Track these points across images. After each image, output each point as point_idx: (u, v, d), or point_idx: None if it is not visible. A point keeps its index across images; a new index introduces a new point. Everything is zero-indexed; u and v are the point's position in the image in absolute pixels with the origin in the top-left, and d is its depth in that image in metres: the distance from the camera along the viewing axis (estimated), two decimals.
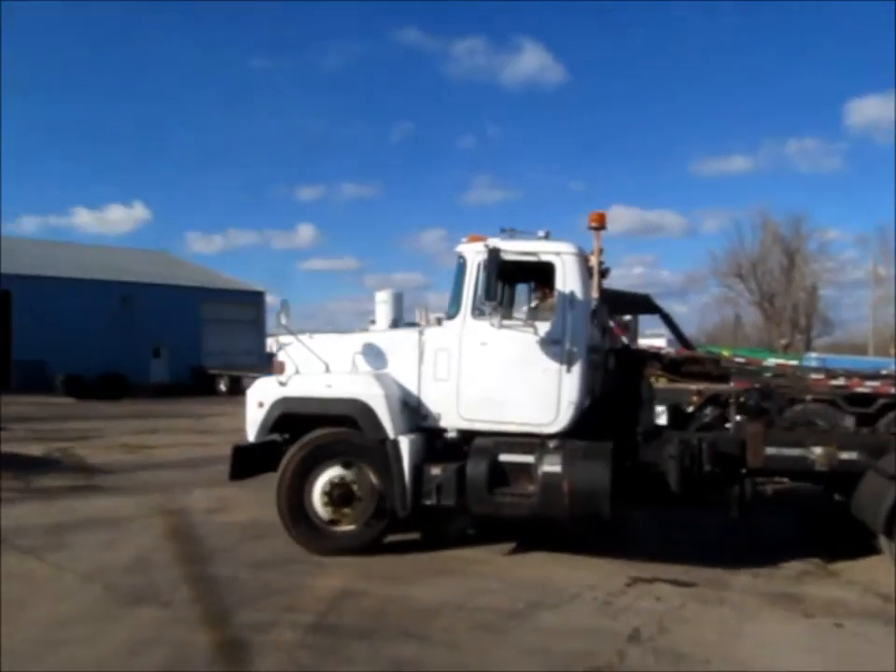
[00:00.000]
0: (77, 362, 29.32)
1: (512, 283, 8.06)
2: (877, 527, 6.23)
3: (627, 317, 15.71)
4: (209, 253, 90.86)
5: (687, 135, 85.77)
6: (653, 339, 17.27)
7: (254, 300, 41.65)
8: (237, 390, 29.28)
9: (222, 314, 39.08)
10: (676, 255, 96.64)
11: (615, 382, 7.23)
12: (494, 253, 6.68)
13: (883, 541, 6.38)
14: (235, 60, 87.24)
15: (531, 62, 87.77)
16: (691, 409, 9.34)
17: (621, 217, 67.98)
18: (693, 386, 10.38)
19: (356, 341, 7.62)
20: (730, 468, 6.79)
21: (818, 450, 6.60)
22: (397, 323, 12.80)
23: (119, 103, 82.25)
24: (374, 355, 7.36)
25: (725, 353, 12.79)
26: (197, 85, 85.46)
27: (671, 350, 12.85)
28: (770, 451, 6.75)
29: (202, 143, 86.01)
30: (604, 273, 8.35)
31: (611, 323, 13.56)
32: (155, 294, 35.53)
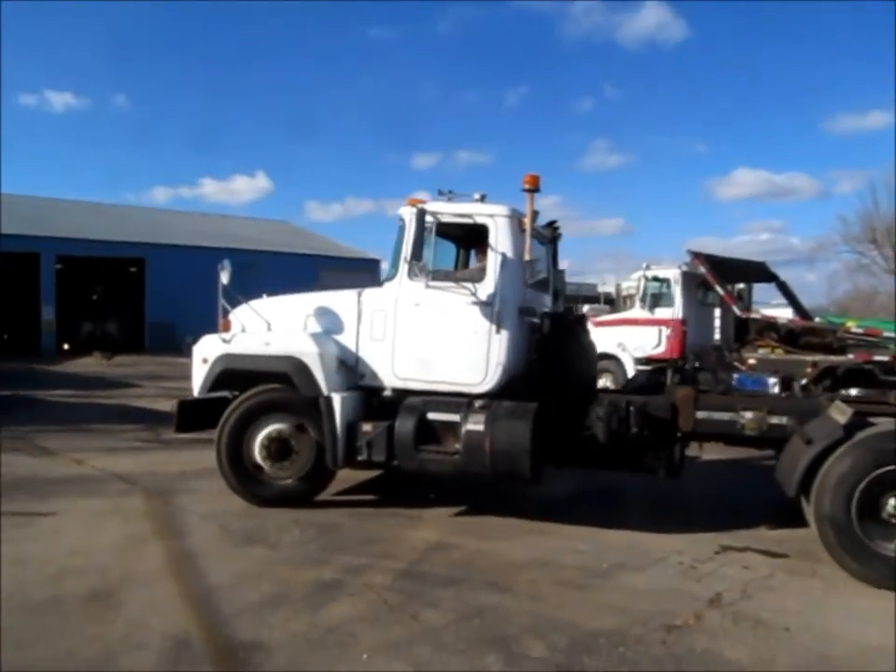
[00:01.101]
0: (203, 325, 30.98)
1: (466, 248, 8.15)
2: (790, 490, 6.03)
3: (741, 286, 15.32)
4: (327, 221, 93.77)
5: (819, 91, 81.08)
6: (778, 309, 16.65)
7: (370, 267, 42.55)
8: None
9: (340, 281, 39.73)
10: (806, 220, 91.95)
11: (550, 345, 7.10)
12: (420, 213, 6.83)
13: (804, 505, 6.19)
14: (354, 30, 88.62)
15: (650, 19, 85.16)
16: (804, 381, 9.01)
17: (745, 180, 65.15)
18: (809, 358, 10.08)
19: (300, 301, 7.86)
20: (661, 431, 6.77)
21: (748, 414, 6.58)
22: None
23: (243, 75, 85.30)
24: (316, 315, 7.54)
25: (850, 324, 12.25)
26: (316, 56, 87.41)
27: (786, 320, 12.48)
28: (700, 415, 6.75)
29: (321, 113, 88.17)
30: (555, 238, 8.45)
31: (721, 291, 13.28)
32: (276, 262, 36.90)
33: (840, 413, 5.98)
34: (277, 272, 36.32)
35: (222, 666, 3.97)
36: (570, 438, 6.82)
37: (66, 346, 32.18)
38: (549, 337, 7.12)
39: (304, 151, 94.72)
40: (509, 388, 6.92)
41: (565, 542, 6.35)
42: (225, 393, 7.57)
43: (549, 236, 8.31)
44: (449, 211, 7.18)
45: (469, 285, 6.98)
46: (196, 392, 7.60)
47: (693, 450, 7.24)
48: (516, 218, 7.14)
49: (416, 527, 6.66)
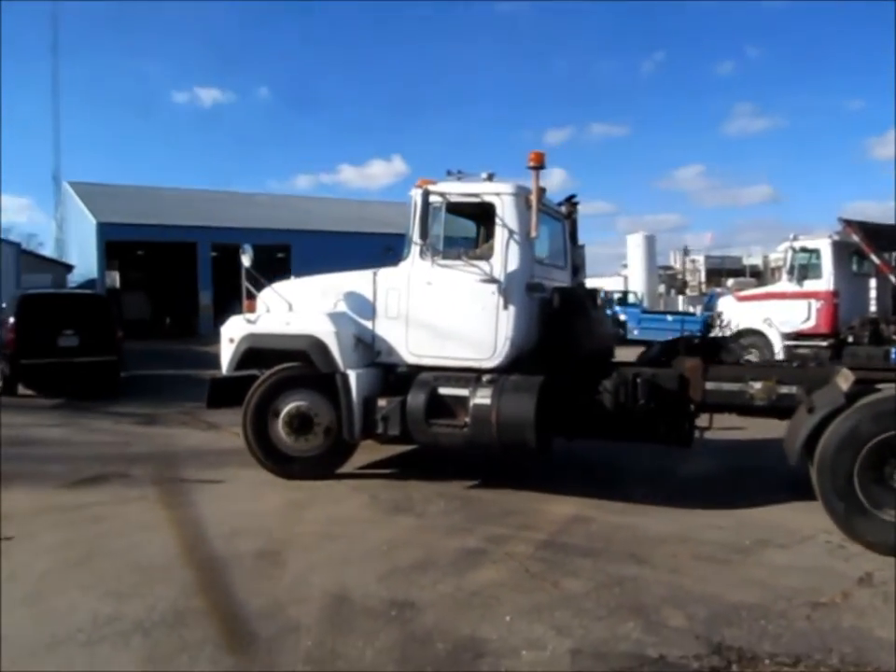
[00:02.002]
0: None
1: (483, 226, 8.06)
2: (792, 458, 6.07)
3: None
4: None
5: None
6: None
7: None
8: None
9: None
10: None
11: (559, 320, 7.18)
12: (424, 195, 7.02)
13: (812, 473, 5.96)
14: (482, 5, 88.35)
15: None
16: None
17: None
18: None
19: (319, 282, 8.17)
20: (670, 402, 6.81)
21: (757, 384, 6.61)
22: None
23: (375, 60, 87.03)
24: (335, 295, 7.78)
25: None
26: (446, 37, 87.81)
27: None
28: (710, 385, 6.78)
29: (451, 93, 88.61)
30: (572, 213, 8.55)
31: (877, 260, 12.53)
32: None
33: (844, 381, 5.96)
34: None
35: (377, 620, 4.31)
36: (579, 410, 6.93)
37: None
38: (558, 312, 7.22)
39: (438, 132, 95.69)
40: (518, 363, 7.08)
41: (703, 519, 6.34)
42: (254, 371, 7.94)
43: (565, 212, 8.45)
44: (456, 191, 7.34)
45: (478, 262, 7.15)
46: (224, 370, 8.00)
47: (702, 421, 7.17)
48: (522, 196, 7.18)
49: (552, 501, 6.82)
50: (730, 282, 48.84)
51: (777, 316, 15.17)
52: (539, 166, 7.02)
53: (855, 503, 5.64)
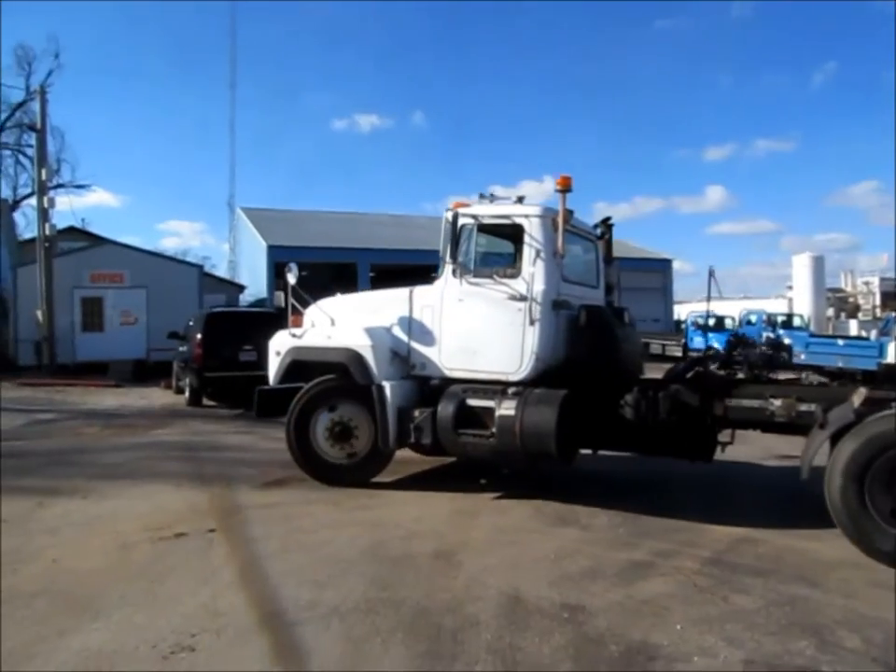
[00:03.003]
0: None
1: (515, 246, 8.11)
2: (803, 472, 6.21)
3: None
4: (615, 222, 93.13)
5: None
6: None
7: (661, 267, 41.93)
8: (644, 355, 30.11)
9: (629, 281, 39.81)
10: None
11: (586, 336, 7.52)
12: (454, 217, 7.61)
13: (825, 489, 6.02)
14: (638, 22, 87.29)
15: None
16: None
17: None
18: None
19: (360, 299, 8.88)
20: (691, 418, 7.04)
21: (777, 401, 6.76)
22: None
23: (523, 77, 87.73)
24: (374, 311, 8.25)
25: None
26: (602, 56, 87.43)
27: None
28: (731, 402, 6.97)
29: (607, 113, 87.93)
30: (605, 234, 8.94)
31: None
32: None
33: (858, 398, 6.04)
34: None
35: (551, 621, 4.57)
36: (602, 423, 7.24)
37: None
38: (584, 329, 7.54)
39: (589, 153, 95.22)
40: (545, 376, 7.39)
41: None
42: (300, 384, 8.32)
43: (598, 233, 8.86)
44: (487, 213, 7.75)
45: (507, 281, 7.50)
46: (272, 381, 8.51)
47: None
48: (549, 218, 7.49)
49: (715, 520, 6.79)
50: None
51: None
52: (566, 189, 7.35)
53: (864, 518, 5.76)
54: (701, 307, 42.35)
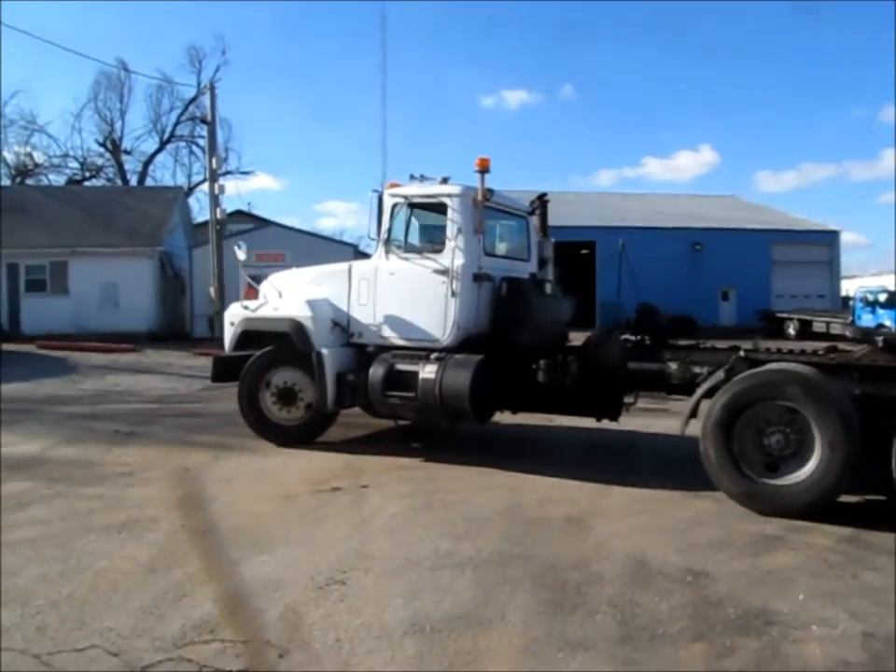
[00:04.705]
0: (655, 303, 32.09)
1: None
2: (680, 429, 6.84)
3: None
4: (778, 192, 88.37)
5: None
6: None
7: (827, 240, 39.57)
8: (807, 334, 28.64)
9: (793, 255, 38.07)
10: None
11: (506, 306, 8.20)
12: (379, 197, 8.40)
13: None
14: None
15: None
16: None
17: None
18: None
19: (306, 273, 9.38)
20: (598, 381, 7.75)
21: (673, 365, 7.40)
22: None
23: (673, 47, 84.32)
24: (317, 284, 8.97)
25: None
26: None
27: None
28: (633, 366, 7.68)
29: (765, 76, 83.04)
30: (535, 211, 9.61)
31: None
32: (725, 238, 36.41)
33: (733, 360, 6.70)
34: (726, 249, 36.04)
35: (673, 583, 4.78)
36: (518, 386, 7.93)
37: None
38: (505, 299, 8.19)
39: (750, 119, 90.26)
40: (468, 343, 8.05)
41: None
42: (253, 351, 8.97)
43: (529, 209, 9.53)
44: (415, 193, 8.42)
45: (433, 255, 8.15)
46: (227, 349, 9.29)
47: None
48: (469, 196, 8.05)
49: (866, 498, 6.67)
50: None
51: None
52: (485, 170, 7.93)
53: (734, 472, 6.33)
54: (873, 282, 39.59)
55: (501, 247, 9.21)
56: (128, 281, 27.66)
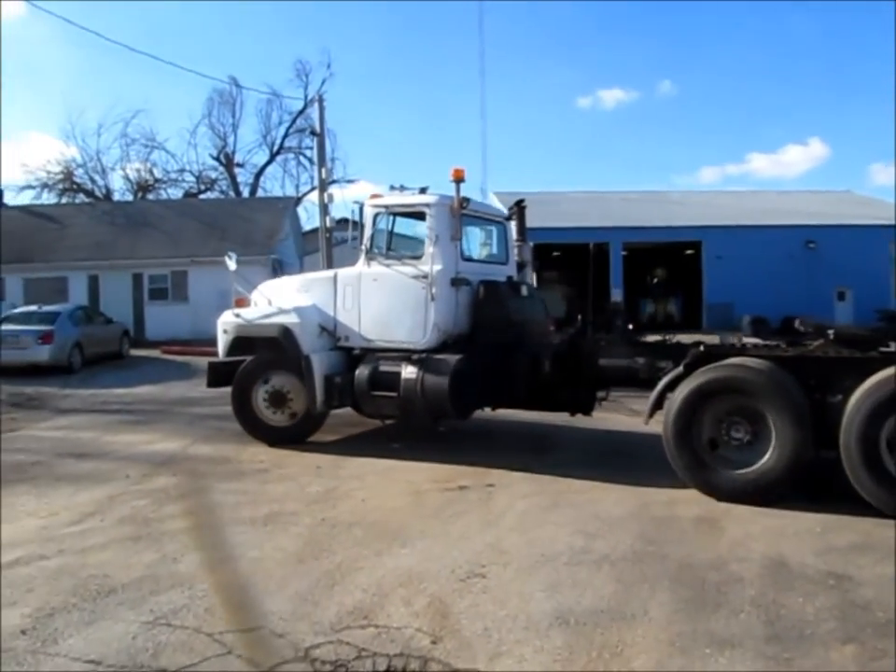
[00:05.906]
0: (761, 305, 31.11)
1: None
2: (644, 419, 7.32)
3: None
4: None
5: None
6: None
7: None
8: None
9: None
10: None
11: (483, 309, 8.63)
12: (359, 207, 8.96)
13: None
14: None
15: None
16: None
17: None
18: None
19: (295, 281, 9.95)
20: (570, 377, 8.28)
21: (640, 360, 7.71)
22: None
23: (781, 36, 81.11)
24: (305, 291, 9.38)
25: None
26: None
27: None
28: (604, 362, 8.10)
29: (873, 67, 78.92)
30: (512, 216, 10.25)
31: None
32: (839, 235, 34.84)
33: (692, 354, 6.97)
34: (842, 246, 34.49)
35: (816, 585, 4.73)
36: (496, 384, 8.30)
37: (630, 326, 35.52)
38: (482, 301, 8.60)
39: (862, 109, 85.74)
40: (450, 344, 8.46)
41: None
42: (245, 357, 9.33)
43: (506, 215, 10.08)
44: (394, 203, 8.84)
45: (413, 262, 8.52)
46: (221, 355, 9.60)
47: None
48: (446, 205, 8.40)
49: None
50: None
51: None
52: (459, 180, 8.25)
53: (695, 459, 6.64)
54: None
55: (479, 252, 9.76)
56: (244, 288, 28.75)
